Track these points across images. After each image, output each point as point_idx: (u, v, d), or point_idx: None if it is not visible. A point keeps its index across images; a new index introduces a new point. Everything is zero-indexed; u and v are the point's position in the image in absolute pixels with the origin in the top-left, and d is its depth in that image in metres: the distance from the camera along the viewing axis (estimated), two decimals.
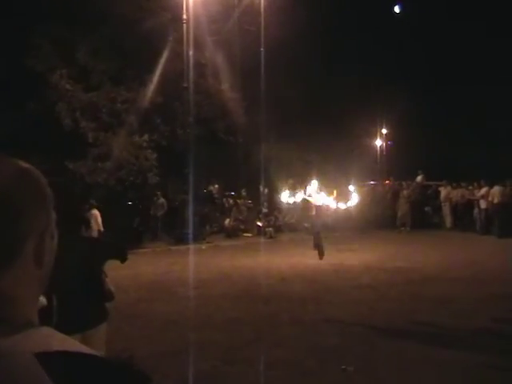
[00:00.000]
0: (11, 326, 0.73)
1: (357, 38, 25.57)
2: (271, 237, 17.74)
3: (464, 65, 26.92)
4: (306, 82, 21.16)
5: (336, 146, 20.07)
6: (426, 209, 20.73)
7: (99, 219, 12.99)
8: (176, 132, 17.38)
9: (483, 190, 17.51)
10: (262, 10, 18.21)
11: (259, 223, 18.57)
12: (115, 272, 5.03)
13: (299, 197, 12.65)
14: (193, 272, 10.47)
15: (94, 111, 16.52)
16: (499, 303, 7.74)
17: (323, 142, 19.50)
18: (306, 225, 15.09)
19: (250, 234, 18.59)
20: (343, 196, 14.24)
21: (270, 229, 18.15)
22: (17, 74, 15.51)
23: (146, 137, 16.78)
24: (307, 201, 12.34)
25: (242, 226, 18.95)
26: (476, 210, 18.00)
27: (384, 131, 30.73)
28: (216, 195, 20.03)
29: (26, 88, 15.70)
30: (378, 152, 30.85)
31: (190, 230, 15.45)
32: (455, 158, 25.45)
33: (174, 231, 16.67)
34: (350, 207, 14.32)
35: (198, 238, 16.04)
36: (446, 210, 19.46)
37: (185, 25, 15.85)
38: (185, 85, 16.02)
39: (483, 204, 17.46)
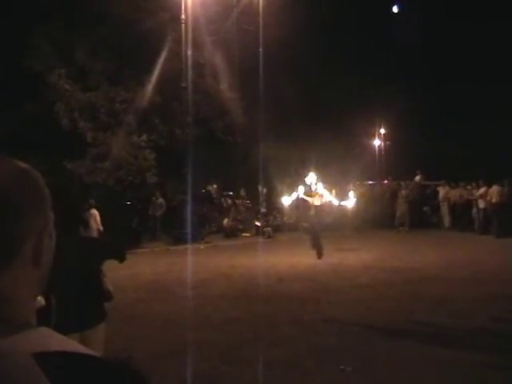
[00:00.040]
0: (9, 327, 0.73)
1: (356, 37, 25.58)
2: (270, 237, 17.75)
3: (462, 65, 26.96)
4: (305, 82, 21.17)
5: (335, 146, 20.07)
6: (425, 208, 20.76)
7: (98, 219, 13.00)
8: (174, 132, 17.38)
9: (481, 190, 17.53)
10: (261, 9, 18.22)
11: (258, 223, 18.57)
12: (114, 272, 5.03)
13: (296, 194, 12.65)
14: (191, 272, 10.46)
15: (93, 111, 16.52)
16: (498, 303, 7.75)
17: (322, 142, 19.50)
18: (304, 224, 15.09)
19: (248, 234, 18.60)
20: (342, 195, 14.27)
21: (269, 229, 18.16)
22: (15, 74, 15.50)
23: (144, 137, 16.78)
24: (305, 200, 12.36)
25: (241, 226, 18.96)
26: (474, 210, 18.02)
27: (382, 131, 30.74)
28: (214, 195, 20.03)
29: (24, 88, 15.69)
30: (377, 152, 30.87)
31: (189, 230, 15.45)
32: (453, 158, 25.46)
33: (172, 231, 16.67)
34: (349, 207, 14.33)
35: (197, 238, 16.04)
36: (445, 209, 19.49)
37: (183, 25, 15.84)
38: (183, 85, 16.01)
39: (481, 204, 17.48)
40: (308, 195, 12.23)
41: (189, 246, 14.41)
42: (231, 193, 20.75)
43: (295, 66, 20.78)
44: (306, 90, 21.47)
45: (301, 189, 12.44)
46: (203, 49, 17.63)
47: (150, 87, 16.75)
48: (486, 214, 17.34)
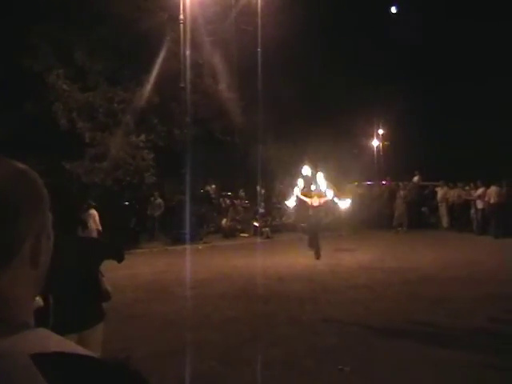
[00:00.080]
0: (8, 327, 0.73)
1: (354, 37, 25.57)
2: (268, 237, 17.75)
3: (461, 65, 26.96)
4: (304, 82, 21.15)
5: (334, 146, 20.08)
6: (423, 209, 20.77)
7: (97, 219, 12.99)
8: (173, 132, 17.37)
9: (480, 191, 17.55)
10: (259, 9, 18.21)
11: (256, 223, 18.58)
12: (112, 272, 5.03)
13: (295, 195, 12.66)
14: (190, 272, 10.46)
15: (91, 111, 16.50)
16: (496, 303, 7.76)
17: (321, 142, 19.51)
18: (302, 225, 15.10)
19: (246, 235, 18.59)
20: (340, 196, 14.27)
21: (267, 229, 18.16)
22: (14, 74, 15.48)
23: (142, 137, 16.77)
24: (303, 200, 12.36)
25: (239, 226, 18.96)
26: (473, 211, 18.03)
27: (381, 131, 30.77)
28: (213, 195, 20.03)
29: (23, 88, 15.68)
30: (375, 152, 30.90)
31: (187, 230, 15.44)
32: (452, 159, 25.49)
33: (170, 231, 16.66)
34: (347, 207, 14.34)
35: (195, 238, 16.02)
36: (443, 210, 19.50)
37: (182, 25, 15.83)
38: (182, 85, 16.00)
39: (480, 204, 17.49)
40: (306, 195, 12.23)
41: (187, 246, 14.40)
42: (230, 193, 20.75)
43: (294, 66, 20.77)
44: (305, 90, 21.47)
45: (296, 190, 12.47)
46: (202, 49, 17.61)
47: (148, 87, 16.73)
48: (484, 215, 17.35)
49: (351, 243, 15.15)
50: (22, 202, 0.77)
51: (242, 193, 20.11)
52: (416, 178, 21.46)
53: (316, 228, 12.27)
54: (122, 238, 13.17)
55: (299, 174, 12.87)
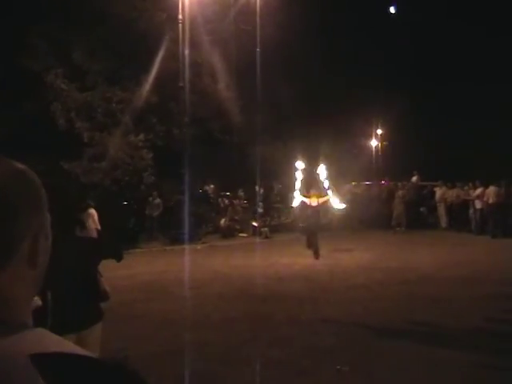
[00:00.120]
0: (7, 327, 0.73)
1: (354, 38, 25.56)
2: (267, 237, 17.75)
3: (459, 65, 26.99)
4: (303, 82, 21.16)
5: (332, 146, 20.07)
6: (422, 209, 20.78)
7: (96, 218, 12.96)
8: (172, 132, 17.36)
9: (478, 191, 17.55)
10: (258, 9, 18.21)
11: (255, 223, 18.57)
12: (111, 272, 5.03)
13: (297, 195, 12.67)
14: (189, 272, 10.46)
15: (89, 111, 16.49)
16: (494, 303, 7.77)
17: (320, 142, 19.50)
18: (301, 225, 15.09)
19: (245, 234, 18.59)
20: (339, 196, 14.26)
21: (266, 229, 18.16)
22: (13, 74, 15.47)
23: (141, 136, 16.76)
24: (302, 201, 12.37)
25: (238, 226, 18.95)
26: (471, 210, 18.04)
27: (379, 131, 30.77)
28: (211, 195, 20.02)
29: (22, 88, 15.66)
30: (374, 152, 30.90)
31: (186, 230, 15.43)
32: (451, 159, 25.51)
33: (169, 231, 16.65)
34: (346, 207, 14.33)
35: (194, 238, 16.02)
36: (441, 210, 19.51)
37: (181, 24, 15.82)
38: (180, 84, 15.98)
39: (478, 204, 17.50)
40: (305, 196, 12.24)
41: (186, 246, 14.40)
42: (228, 193, 20.75)
43: (293, 66, 20.76)
44: (304, 90, 21.47)
45: (297, 193, 12.50)
46: (200, 48, 17.60)
47: (147, 87, 16.72)
48: (482, 215, 17.36)
49: (350, 243, 15.15)
50: (21, 202, 0.77)
51: (240, 193, 20.10)
52: (414, 178, 21.47)
53: (315, 228, 12.27)
54: (121, 238, 13.16)
55: (297, 174, 12.86)
